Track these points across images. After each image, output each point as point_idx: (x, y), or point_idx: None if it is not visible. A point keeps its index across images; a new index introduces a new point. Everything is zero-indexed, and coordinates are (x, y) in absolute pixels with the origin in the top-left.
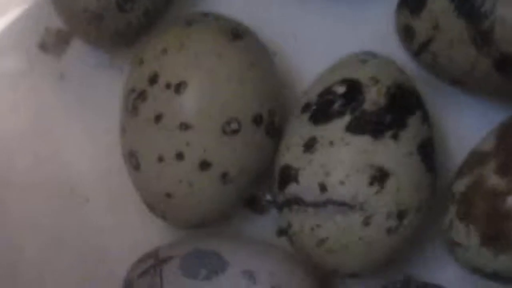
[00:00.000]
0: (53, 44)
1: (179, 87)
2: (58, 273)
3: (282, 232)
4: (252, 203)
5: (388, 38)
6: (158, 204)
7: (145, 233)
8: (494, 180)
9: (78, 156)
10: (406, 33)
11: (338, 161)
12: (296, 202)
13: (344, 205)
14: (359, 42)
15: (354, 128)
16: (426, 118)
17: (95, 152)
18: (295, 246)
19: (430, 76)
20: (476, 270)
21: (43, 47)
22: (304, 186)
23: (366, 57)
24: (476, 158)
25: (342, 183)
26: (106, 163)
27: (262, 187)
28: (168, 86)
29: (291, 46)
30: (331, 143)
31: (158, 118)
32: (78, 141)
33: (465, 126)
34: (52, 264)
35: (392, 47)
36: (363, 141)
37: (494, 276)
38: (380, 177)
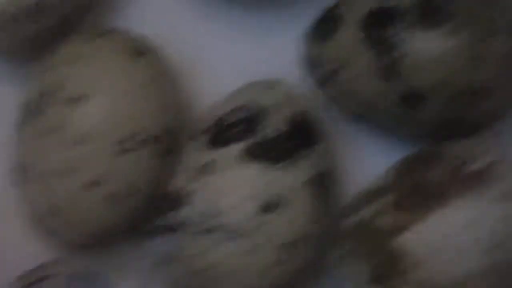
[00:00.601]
0: None
1: (76, 101)
2: None
3: (164, 262)
4: (141, 227)
5: (298, 66)
6: (44, 220)
7: (32, 249)
8: (388, 217)
9: None
10: (312, 62)
11: (231, 186)
12: (184, 226)
13: (233, 232)
14: (267, 68)
15: (251, 154)
16: (327, 150)
17: None
18: (179, 272)
19: (336, 109)
20: None
21: None
22: (195, 210)
23: (271, 84)
24: (372, 194)
25: (233, 208)
26: None
27: (154, 210)
28: (66, 99)
29: (198, 68)
30: (226, 168)
31: (51, 130)
32: None
33: (367, 161)
34: None
35: (300, 76)
36: (259, 168)
37: None
38: (273, 206)
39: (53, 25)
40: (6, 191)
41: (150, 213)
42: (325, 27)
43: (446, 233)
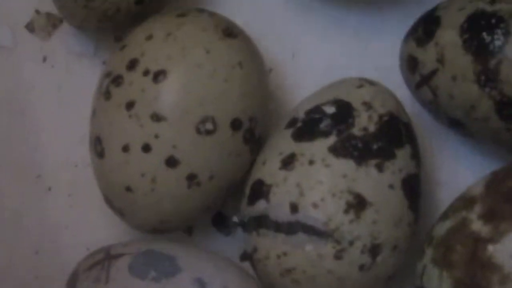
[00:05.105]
0: (41, 26)
1: (157, 76)
2: (11, 258)
3: (246, 256)
4: (219, 222)
5: (390, 72)
6: (117, 198)
7: (102, 232)
8: (477, 226)
9: (48, 143)
10: (410, 64)
11: (315, 182)
12: (263, 223)
13: (314, 231)
14: (358, 71)
15: (338, 150)
16: (415, 154)
17: (65, 141)
18: (258, 273)
19: (428, 116)
20: None
21: (30, 28)
22: (274, 204)
23: (362, 82)
24: (462, 202)
25: (315, 205)
26: (75, 154)
27: (232, 206)
28: (146, 73)
29: (288, 64)
30: (311, 162)
31: (130, 105)
32: (50, 127)
33: (458, 173)
34: (7, 250)
35: (393, 82)
36: (345, 165)
37: None
38: (357, 205)
39: (134, 2)
40: (84, 171)
41: (228, 210)
42: (424, 29)
43: None
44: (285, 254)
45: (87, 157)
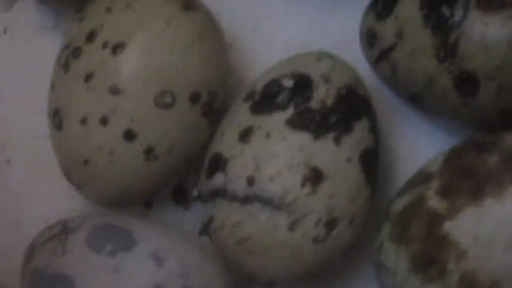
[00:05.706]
0: None
1: (116, 48)
2: None
3: (204, 230)
4: (178, 196)
5: (350, 47)
6: (75, 171)
7: (62, 205)
8: (434, 202)
9: (8, 114)
10: (369, 38)
11: (271, 155)
12: (221, 194)
13: (270, 203)
14: (319, 45)
15: (294, 123)
16: (373, 128)
17: (25, 113)
18: (214, 243)
19: (388, 92)
20: None
21: None
22: (232, 177)
23: (321, 56)
24: (420, 178)
25: (272, 178)
26: (35, 126)
27: (191, 179)
28: (105, 45)
29: (249, 38)
30: (268, 135)
31: (88, 77)
32: (11, 99)
33: (417, 148)
34: None
35: (354, 57)
36: (302, 138)
37: None
38: (313, 178)
39: None
40: (44, 144)
41: (186, 174)
42: (384, 3)
43: (497, 224)
44: (240, 223)
45: (47, 129)
